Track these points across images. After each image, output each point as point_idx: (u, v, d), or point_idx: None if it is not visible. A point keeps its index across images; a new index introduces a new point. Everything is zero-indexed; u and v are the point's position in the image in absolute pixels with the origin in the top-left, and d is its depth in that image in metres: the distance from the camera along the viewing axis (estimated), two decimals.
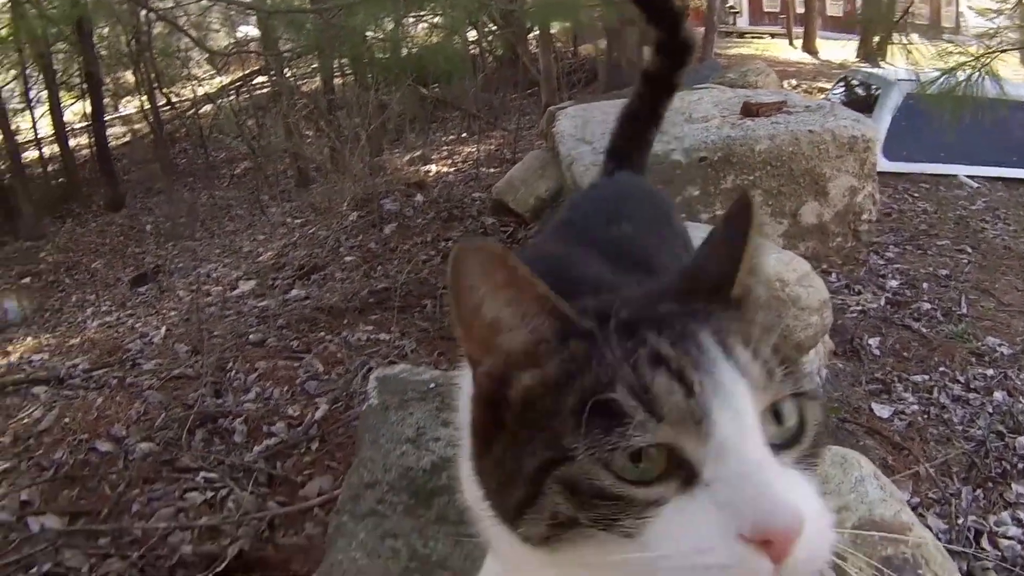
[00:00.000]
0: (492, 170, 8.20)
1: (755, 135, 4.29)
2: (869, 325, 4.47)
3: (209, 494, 3.75)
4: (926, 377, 4.04)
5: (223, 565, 3.19)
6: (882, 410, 3.74)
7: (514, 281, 0.94)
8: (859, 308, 4.61)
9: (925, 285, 5.02)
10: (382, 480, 2.28)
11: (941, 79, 5.70)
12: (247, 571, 3.19)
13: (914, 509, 3.08)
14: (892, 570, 1.79)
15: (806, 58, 16.09)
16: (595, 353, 0.93)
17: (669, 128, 4.43)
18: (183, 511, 3.68)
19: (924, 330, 4.45)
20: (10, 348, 7.02)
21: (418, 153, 9.62)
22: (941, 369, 4.14)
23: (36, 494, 3.98)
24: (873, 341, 4.31)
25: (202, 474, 3.91)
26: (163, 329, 6.13)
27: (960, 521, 3.12)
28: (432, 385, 2.61)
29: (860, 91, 8.76)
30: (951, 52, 6.07)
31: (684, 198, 4.15)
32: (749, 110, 4.70)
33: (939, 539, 2.90)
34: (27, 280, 9.74)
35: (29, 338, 7.33)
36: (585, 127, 4.55)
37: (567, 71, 11.26)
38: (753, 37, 20.83)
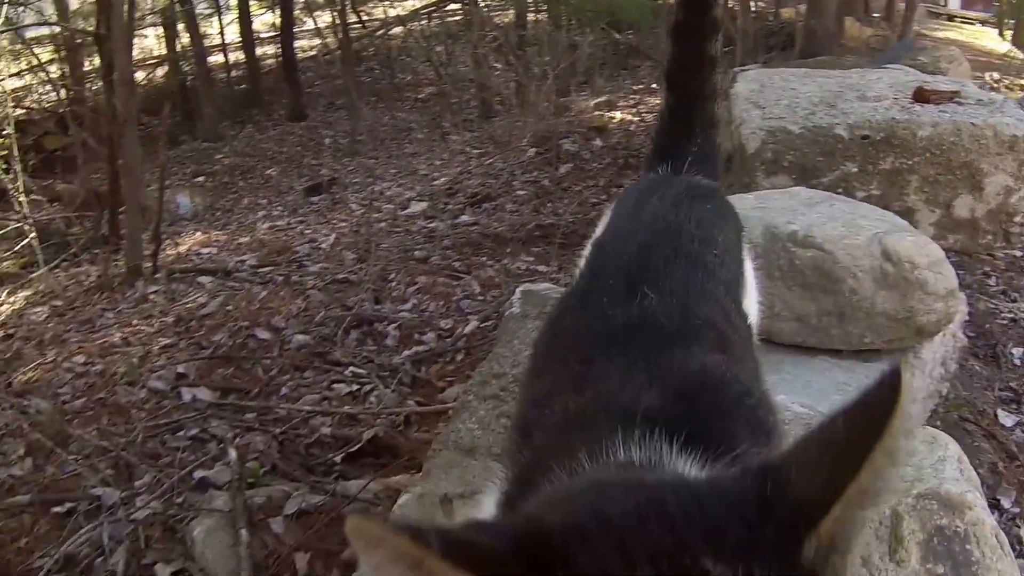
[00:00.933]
0: None
1: (919, 120, 4.34)
2: (1016, 335, 4.50)
3: (355, 387, 4.22)
4: None
5: (357, 447, 3.63)
6: (1007, 418, 3.77)
7: None
8: (1011, 316, 4.66)
9: None
10: (508, 373, 2.68)
11: None
12: (376, 455, 3.61)
13: (1012, 519, 3.20)
14: (942, 539, 1.93)
15: (1016, 52, 15.41)
16: None
17: (839, 103, 4.57)
18: (328, 399, 4.16)
19: None
20: (179, 240, 7.68)
21: (604, 98, 9.79)
22: None
23: (192, 369, 4.56)
24: (1017, 351, 4.33)
25: (351, 369, 4.38)
26: (332, 237, 6.66)
27: None
28: None
29: None
30: None
31: (842, 172, 4.28)
32: (921, 95, 4.75)
33: None
34: (201, 179, 10.42)
35: (198, 233, 7.96)
36: (761, 91, 4.68)
37: (765, 34, 11.22)
38: (963, 21, 19.99)
